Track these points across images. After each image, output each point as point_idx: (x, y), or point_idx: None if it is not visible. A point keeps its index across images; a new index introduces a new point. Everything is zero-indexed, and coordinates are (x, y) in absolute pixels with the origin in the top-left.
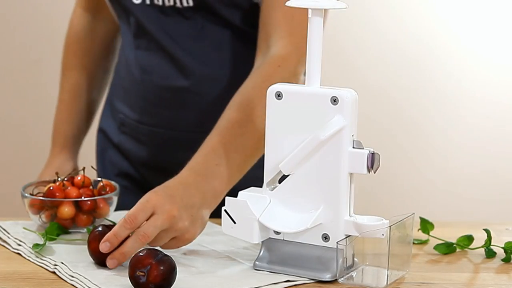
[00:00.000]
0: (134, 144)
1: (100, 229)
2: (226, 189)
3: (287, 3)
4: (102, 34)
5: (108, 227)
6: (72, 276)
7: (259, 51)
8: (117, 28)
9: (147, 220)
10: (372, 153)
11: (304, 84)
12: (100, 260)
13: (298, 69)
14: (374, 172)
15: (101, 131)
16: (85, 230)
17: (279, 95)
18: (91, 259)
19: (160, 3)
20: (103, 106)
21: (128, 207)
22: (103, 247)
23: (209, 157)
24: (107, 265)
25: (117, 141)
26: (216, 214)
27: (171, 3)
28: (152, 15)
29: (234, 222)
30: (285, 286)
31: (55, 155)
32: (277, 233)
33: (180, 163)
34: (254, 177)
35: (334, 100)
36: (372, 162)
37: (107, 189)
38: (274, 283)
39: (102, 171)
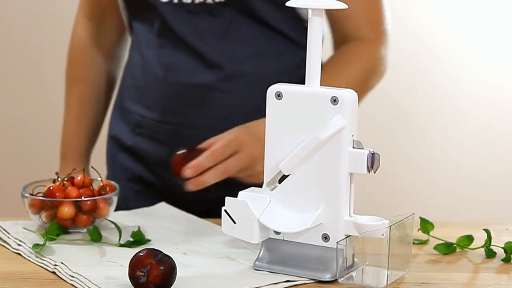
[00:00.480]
0: (152, 145)
1: (184, 151)
2: None
3: (287, 3)
4: (107, 43)
5: (191, 151)
6: (72, 276)
7: (335, 44)
8: (120, 35)
9: (230, 156)
10: (372, 153)
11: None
12: (181, 180)
13: (382, 52)
14: (374, 172)
15: (111, 137)
16: (85, 230)
17: (279, 95)
18: (91, 259)
19: (189, 0)
20: (110, 111)
21: None
22: (188, 173)
23: None
24: (187, 187)
25: (130, 144)
26: (216, 214)
27: None
28: (179, 13)
29: (234, 222)
30: (285, 286)
31: (68, 171)
32: (277, 233)
33: None
34: None
35: (334, 100)
36: (372, 162)
37: (107, 189)
38: (274, 283)
39: (113, 176)
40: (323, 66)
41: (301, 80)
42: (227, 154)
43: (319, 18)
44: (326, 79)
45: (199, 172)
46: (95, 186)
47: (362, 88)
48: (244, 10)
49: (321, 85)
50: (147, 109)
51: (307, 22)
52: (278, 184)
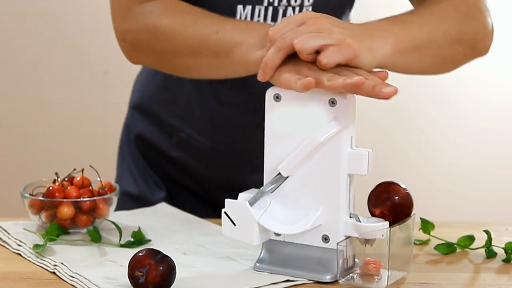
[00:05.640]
0: (199, 164)
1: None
2: (386, 51)
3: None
4: None
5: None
6: (72, 276)
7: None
8: None
9: None
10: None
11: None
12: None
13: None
14: (371, 246)
15: (148, 144)
16: (85, 230)
17: (277, 97)
18: (91, 259)
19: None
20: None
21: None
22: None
23: (386, 23)
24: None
25: (174, 156)
26: (216, 215)
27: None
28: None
29: (234, 224)
30: (285, 286)
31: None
32: (277, 234)
33: (259, 182)
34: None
35: (333, 102)
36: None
37: (107, 189)
38: (274, 283)
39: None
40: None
41: None
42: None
43: None
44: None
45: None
46: (95, 186)
47: (460, 33)
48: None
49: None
50: (195, 130)
51: None
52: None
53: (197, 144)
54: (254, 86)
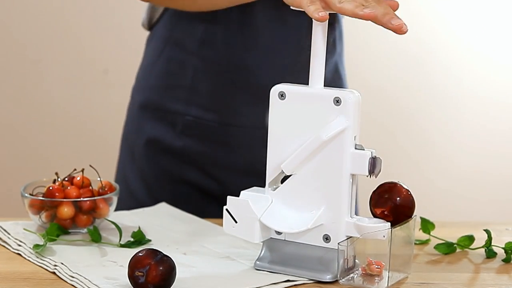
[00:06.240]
0: (208, 147)
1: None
2: None
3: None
4: None
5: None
6: (72, 276)
7: None
8: None
9: None
10: (373, 157)
11: None
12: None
13: None
14: (376, 177)
15: (145, 140)
16: (85, 230)
17: (282, 95)
18: (91, 259)
19: None
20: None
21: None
22: None
23: None
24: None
25: (179, 146)
26: (216, 214)
27: None
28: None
29: (236, 222)
30: (285, 286)
31: None
32: (278, 233)
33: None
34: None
35: (337, 101)
36: (374, 166)
37: (107, 189)
38: (274, 283)
39: (153, 178)
40: None
41: None
42: None
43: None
44: None
45: None
46: (95, 186)
47: None
48: None
49: None
50: (203, 109)
51: None
52: (280, 184)
53: (205, 124)
54: (266, 46)
